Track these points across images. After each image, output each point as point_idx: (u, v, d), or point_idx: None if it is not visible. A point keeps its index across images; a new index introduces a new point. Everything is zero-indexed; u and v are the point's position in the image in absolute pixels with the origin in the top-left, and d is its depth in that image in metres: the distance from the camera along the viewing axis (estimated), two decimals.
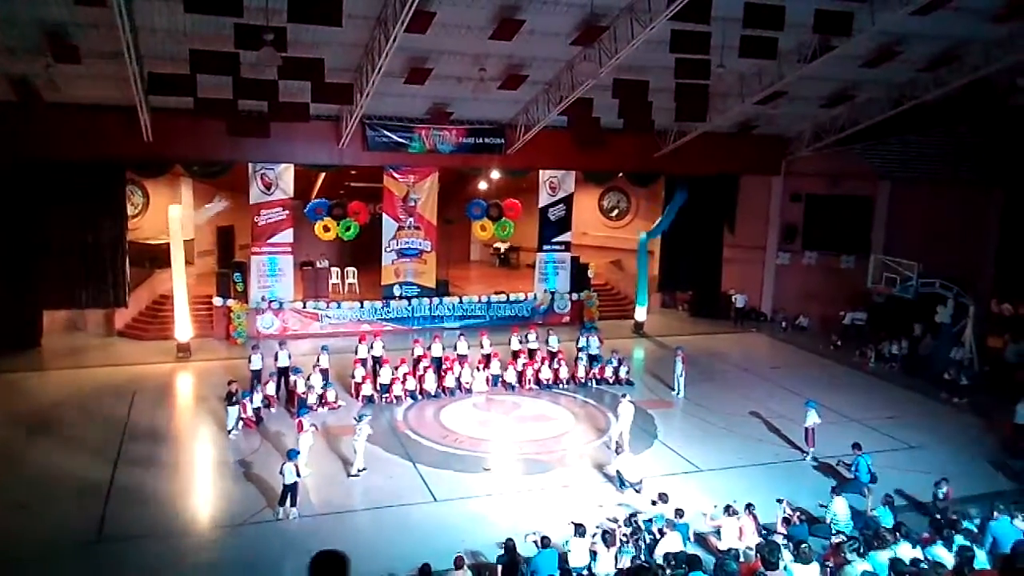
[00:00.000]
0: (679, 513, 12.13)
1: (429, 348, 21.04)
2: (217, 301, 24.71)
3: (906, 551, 10.53)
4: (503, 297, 27.83)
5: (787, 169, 29.06)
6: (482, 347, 21.47)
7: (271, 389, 18.63)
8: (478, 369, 20.65)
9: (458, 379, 20.19)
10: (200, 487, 14.77)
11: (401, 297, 26.45)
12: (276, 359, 19.30)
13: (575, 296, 28.62)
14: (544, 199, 28.01)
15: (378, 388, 19.32)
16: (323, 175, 27.03)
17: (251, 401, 17.37)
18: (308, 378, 18.52)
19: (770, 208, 29.87)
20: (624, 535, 11.76)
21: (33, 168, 21.05)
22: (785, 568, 9.37)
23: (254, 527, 12.91)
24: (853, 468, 14.47)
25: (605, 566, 10.92)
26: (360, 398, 19.12)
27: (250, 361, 19.20)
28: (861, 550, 10.43)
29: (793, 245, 29.84)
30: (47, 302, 22.85)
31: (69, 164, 21.20)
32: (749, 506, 12.42)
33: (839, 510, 12.86)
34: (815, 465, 16.14)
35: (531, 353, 21.90)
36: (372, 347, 20.55)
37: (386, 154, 24.14)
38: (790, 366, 24.14)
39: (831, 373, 23.41)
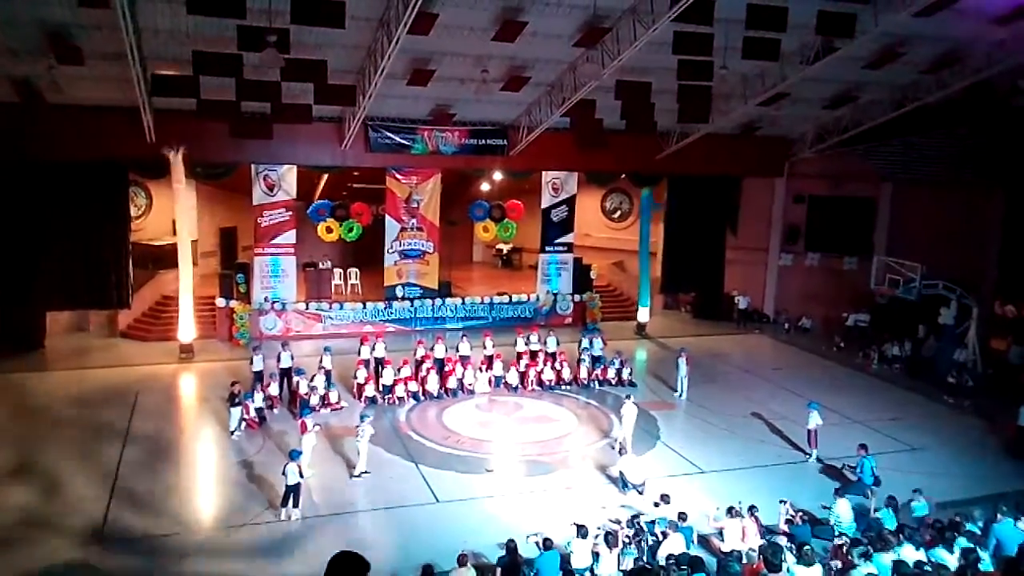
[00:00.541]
0: (682, 516, 12.11)
1: (432, 349, 21.04)
2: (220, 302, 24.73)
3: (909, 553, 10.52)
4: (506, 298, 27.84)
5: (790, 170, 29.04)
6: (484, 348, 21.48)
7: (274, 390, 18.64)
8: (480, 370, 20.65)
9: (460, 380, 20.19)
10: (203, 488, 14.77)
11: (404, 298, 26.46)
12: (279, 360, 19.31)
13: (577, 297, 28.62)
14: (547, 200, 28.02)
15: (380, 389, 19.33)
16: (326, 176, 27.05)
17: (253, 402, 17.39)
18: (312, 379, 18.54)
19: (773, 209, 29.87)
20: (627, 536, 11.75)
21: (36, 169, 21.07)
22: (788, 570, 9.38)
23: (256, 528, 12.92)
24: (857, 470, 14.46)
25: (607, 568, 10.91)
26: (363, 399, 19.13)
27: (252, 362, 19.22)
28: (868, 553, 10.43)
29: (796, 246, 29.83)
30: (50, 303, 22.86)
31: (72, 165, 21.24)
32: (752, 508, 12.41)
33: (842, 512, 12.84)
34: (820, 468, 16.11)
35: (533, 355, 21.90)
36: (374, 348, 20.56)
37: (389, 155, 24.16)
38: (792, 367, 24.12)
39: (834, 375, 23.39)
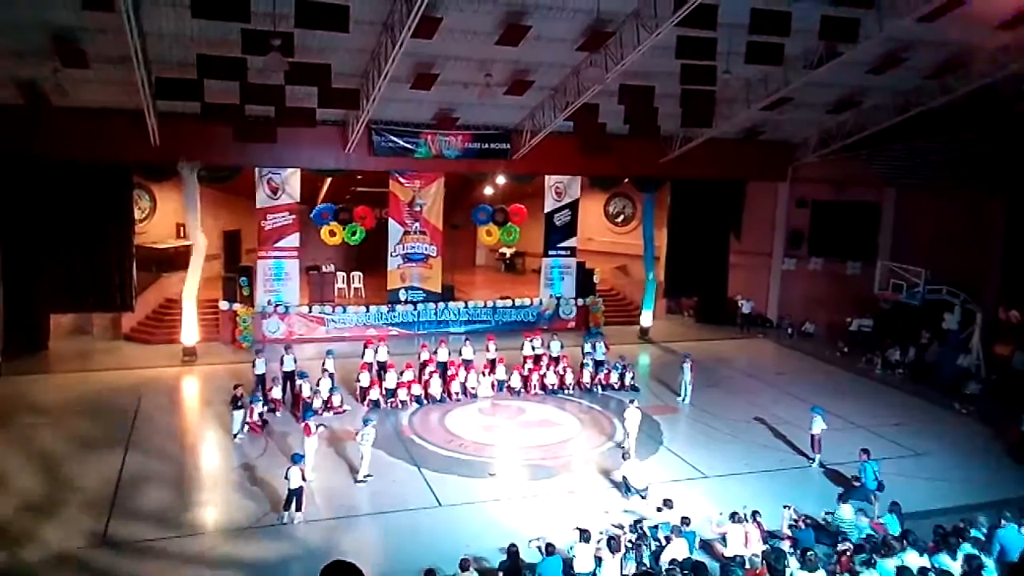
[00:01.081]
0: (685, 521, 12.09)
1: (435, 353, 21.04)
2: (223, 305, 24.76)
3: (913, 559, 10.49)
4: (509, 302, 27.83)
5: (793, 175, 29.02)
6: (487, 352, 21.47)
7: (277, 393, 18.65)
8: (483, 374, 20.65)
9: (463, 384, 20.18)
10: (205, 491, 14.74)
11: (407, 302, 26.48)
12: (282, 363, 19.33)
13: (581, 301, 28.61)
14: (550, 204, 28.03)
15: (384, 393, 19.33)
16: (329, 180, 27.06)
17: (258, 406, 17.40)
18: (318, 383, 18.54)
19: (776, 214, 29.84)
20: (629, 541, 11.73)
21: (41, 172, 21.12)
22: (791, 575, 9.36)
23: (259, 531, 12.92)
24: (860, 474, 14.42)
25: (610, 572, 10.88)
26: (366, 403, 19.13)
27: (254, 366, 19.23)
28: (871, 561, 10.41)
29: (799, 251, 29.80)
30: (54, 306, 22.89)
31: (77, 168, 21.28)
32: (755, 513, 12.38)
33: (845, 517, 12.79)
34: (823, 473, 16.08)
35: (536, 359, 21.89)
36: (377, 352, 20.57)
37: (392, 159, 24.18)
38: (796, 372, 24.08)
39: (837, 379, 23.35)
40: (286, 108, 18.63)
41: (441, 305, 26.85)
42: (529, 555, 11.25)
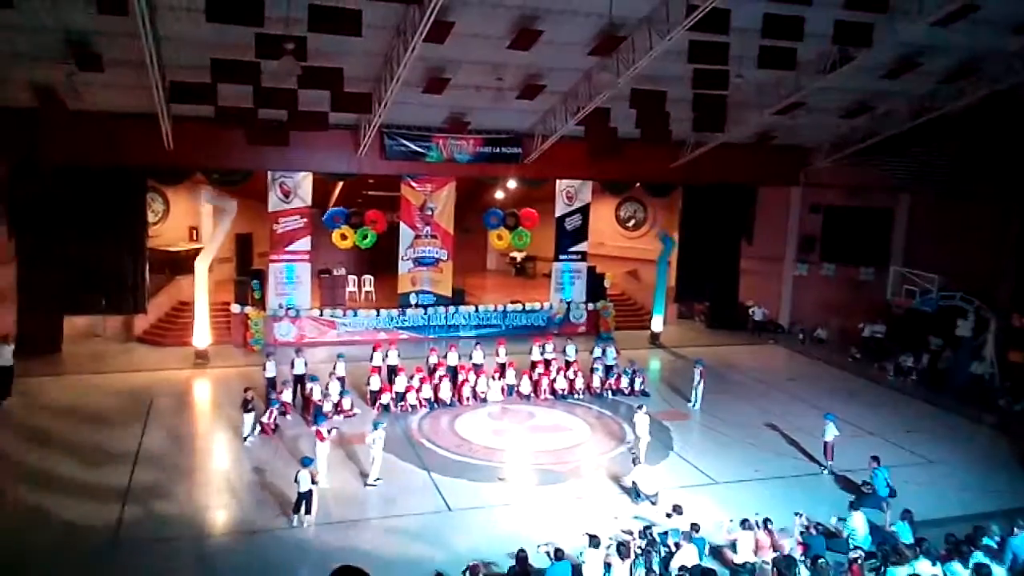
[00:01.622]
0: (695, 528, 12.03)
1: (445, 357, 21.04)
2: (235, 308, 24.87)
3: (925, 568, 10.43)
4: (519, 306, 27.82)
5: (806, 180, 28.91)
6: (498, 356, 21.47)
7: (287, 396, 18.69)
8: (493, 379, 20.64)
9: (474, 388, 20.18)
10: (216, 493, 14.78)
11: (417, 305, 26.51)
12: (292, 366, 19.38)
13: (591, 306, 28.57)
14: (561, 209, 28.01)
15: (394, 397, 19.34)
16: (341, 184, 27.17)
17: (276, 409, 17.46)
18: (326, 387, 18.58)
19: (788, 219, 29.74)
20: (639, 547, 11.69)
21: (55, 175, 21.28)
22: None
23: (269, 534, 12.95)
24: (871, 482, 14.32)
25: None
26: (376, 407, 19.15)
27: (265, 368, 19.29)
28: (881, 569, 10.34)
29: (811, 256, 29.67)
30: (68, 308, 23.04)
31: (91, 171, 21.44)
32: (767, 521, 12.32)
33: (857, 525, 12.71)
34: (835, 480, 15.98)
35: (547, 364, 21.86)
36: (387, 356, 20.59)
37: (404, 163, 24.24)
38: (807, 378, 23.95)
39: (849, 386, 23.21)
40: (299, 112, 18.72)
41: (452, 309, 26.86)
42: (538, 560, 11.24)
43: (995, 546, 11.48)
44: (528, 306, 27.93)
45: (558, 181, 27.43)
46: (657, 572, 11.22)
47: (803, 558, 10.98)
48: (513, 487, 15.21)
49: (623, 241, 33.63)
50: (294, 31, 14.70)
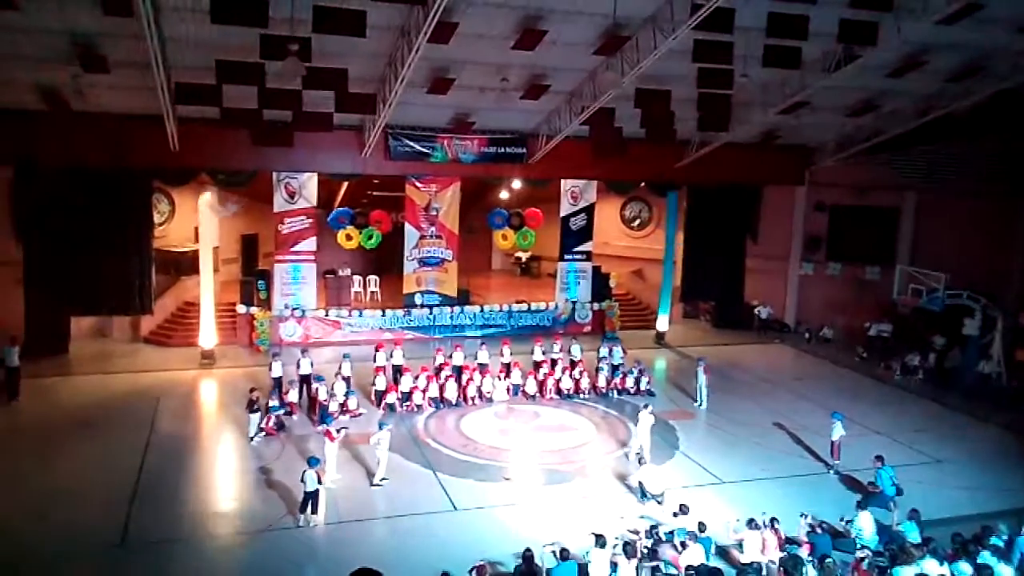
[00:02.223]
0: (702, 527, 12.02)
1: (450, 357, 21.07)
2: (241, 309, 24.93)
3: (932, 567, 10.39)
4: (524, 306, 27.83)
5: (811, 179, 28.84)
6: (502, 356, 21.47)
7: (293, 396, 18.73)
8: (499, 378, 20.64)
9: (479, 388, 20.19)
10: (222, 493, 14.86)
11: (422, 306, 26.53)
12: (298, 367, 19.41)
13: (596, 306, 28.55)
14: (565, 208, 28.00)
15: (400, 396, 19.36)
16: (346, 184, 27.21)
17: (272, 416, 17.43)
18: (332, 387, 18.60)
19: (794, 218, 29.69)
20: (645, 547, 11.68)
21: (61, 176, 21.34)
22: None
23: (275, 534, 12.97)
24: (876, 481, 14.28)
25: None
26: (382, 406, 19.17)
27: (271, 369, 19.32)
28: (888, 569, 10.31)
29: (817, 255, 29.60)
30: (74, 308, 23.12)
31: (97, 172, 21.49)
32: (773, 520, 12.30)
33: (864, 525, 12.68)
34: (841, 480, 15.95)
35: (553, 364, 21.87)
36: (392, 355, 20.61)
37: (408, 163, 24.25)
38: (814, 378, 23.91)
39: (855, 385, 23.17)
40: (303, 113, 18.74)
41: (457, 309, 26.88)
42: (544, 559, 11.23)
43: (1002, 545, 11.44)
44: (533, 306, 27.94)
45: (563, 181, 27.41)
46: (663, 572, 11.20)
47: (810, 558, 10.96)
48: (519, 487, 15.21)
49: (628, 241, 33.59)
50: (298, 32, 14.70)
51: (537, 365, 21.67)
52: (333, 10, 14.25)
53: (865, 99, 22.50)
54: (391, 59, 17.86)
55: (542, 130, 23.88)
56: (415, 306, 26.47)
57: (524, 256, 35.31)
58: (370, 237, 25.97)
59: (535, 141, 24.42)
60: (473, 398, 20.01)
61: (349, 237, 25.92)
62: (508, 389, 20.53)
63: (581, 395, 20.85)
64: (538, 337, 23.59)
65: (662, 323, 27.97)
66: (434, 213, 26.22)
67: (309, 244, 25.13)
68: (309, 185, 24.69)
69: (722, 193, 28.13)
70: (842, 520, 13.21)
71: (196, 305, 23.69)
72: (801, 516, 12.59)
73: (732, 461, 16.67)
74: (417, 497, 14.50)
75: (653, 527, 12.71)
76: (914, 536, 12.05)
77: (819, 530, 12.39)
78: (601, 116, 20.77)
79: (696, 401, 20.48)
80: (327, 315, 25.59)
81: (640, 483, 14.50)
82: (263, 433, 17.01)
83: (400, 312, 26.30)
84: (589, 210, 28.31)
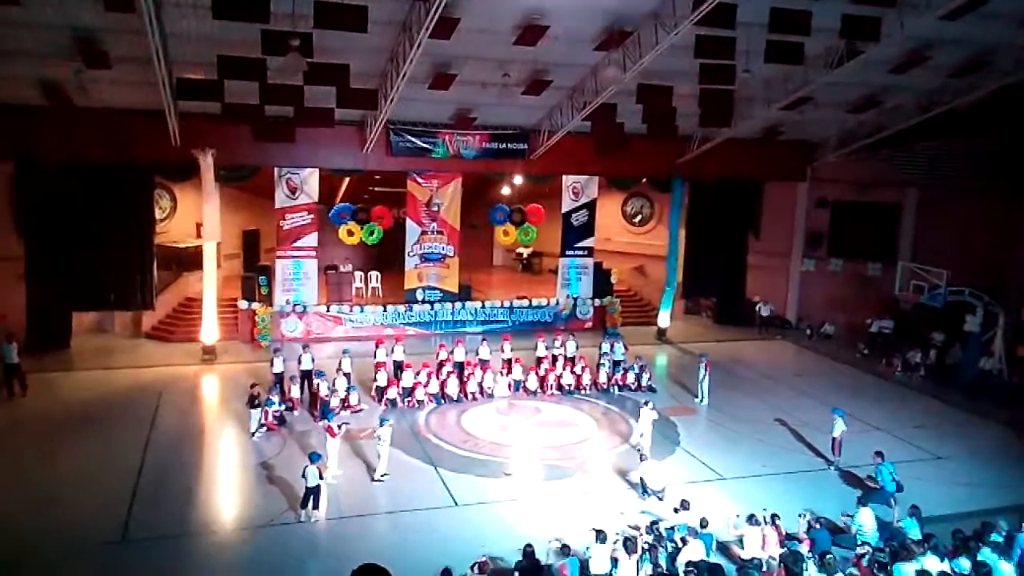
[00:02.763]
0: (703, 523, 12.03)
1: (451, 353, 21.07)
2: (242, 304, 24.94)
3: (933, 563, 10.40)
4: (525, 302, 27.83)
5: (813, 175, 28.82)
6: (503, 352, 21.47)
7: (294, 392, 18.75)
8: (500, 374, 20.65)
9: (480, 384, 20.20)
10: (224, 488, 14.88)
11: (424, 301, 26.54)
12: (300, 362, 19.42)
13: (598, 302, 28.55)
14: (567, 204, 27.99)
15: (400, 392, 19.38)
16: (347, 180, 27.21)
17: (272, 408, 17.42)
18: (334, 382, 18.62)
19: (795, 214, 29.66)
20: (646, 543, 11.69)
21: (63, 172, 21.35)
22: None
23: (277, 529, 12.99)
24: (875, 477, 14.29)
25: (626, 574, 10.85)
26: (383, 402, 19.19)
27: (272, 364, 19.34)
28: (888, 565, 10.31)
29: (819, 252, 29.58)
30: (76, 304, 23.15)
31: (99, 168, 21.51)
32: (774, 516, 12.31)
33: (865, 521, 12.68)
34: (842, 476, 15.95)
35: (554, 359, 21.88)
36: (392, 351, 20.62)
37: (410, 159, 24.26)
38: (815, 374, 23.90)
39: (857, 381, 23.16)
40: (305, 108, 18.75)
41: (458, 305, 26.88)
42: (545, 555, 11.25)
43: (1002, 542, 11.44)
44: (534, 302, 27.93)
45: (564, 177, 27.41)
46: (664, 567, 11.22)
47: (810, 554, 10.97)
48: (520, 482, 15.23)
49: (630, 237, 33.60)
50: (300, 28, 14.73)
51: (539, 361, 21.69)
52: (335, 5, 14.27)
53: (867, 95, 22.48)
54: (393, 54, 17.85)
55: (544, 126, 23.88)
56: (416, 302, 26.48)
57: (525, 252, 35.35)
58: (371, 233, 25.98)
59: (536, 137, 24.42)
60: (474, 394, 20.02)
61: (350, 233, 25.92)
62: (509, 385, 20.54)
63: (582, 391, 20.86)
64: (540, 333, 23.59)
65: (663, 319, 27.97)
66: (435, 209, 26.21)
67: (310, 240, 25.12)
68: (311, 181, 24.68)
69: (724, 189, 28.10)
70: (843, 516, 13.22)
71: (197, 301, 23.71)
72: (800, 516, 12.59)
73: (733, 457, 16.68)
74: (418, 493, 14.51)
75: (654, 523, 12.72)
76: (915, 532, 12.06)
77: (817, 525, 12.41)
78: (603, 112, 20.76)
79: (697, 397, 20.48)
80: (328, 311, 25.60)
81: (641, 479, 14.51)
82: (264, 429, 17.03)
83: (401, 308, 26.31)
84: (590, 206, 28.30)
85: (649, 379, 21.38)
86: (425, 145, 23.85)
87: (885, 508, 13.62)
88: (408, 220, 26.17)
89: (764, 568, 11.34)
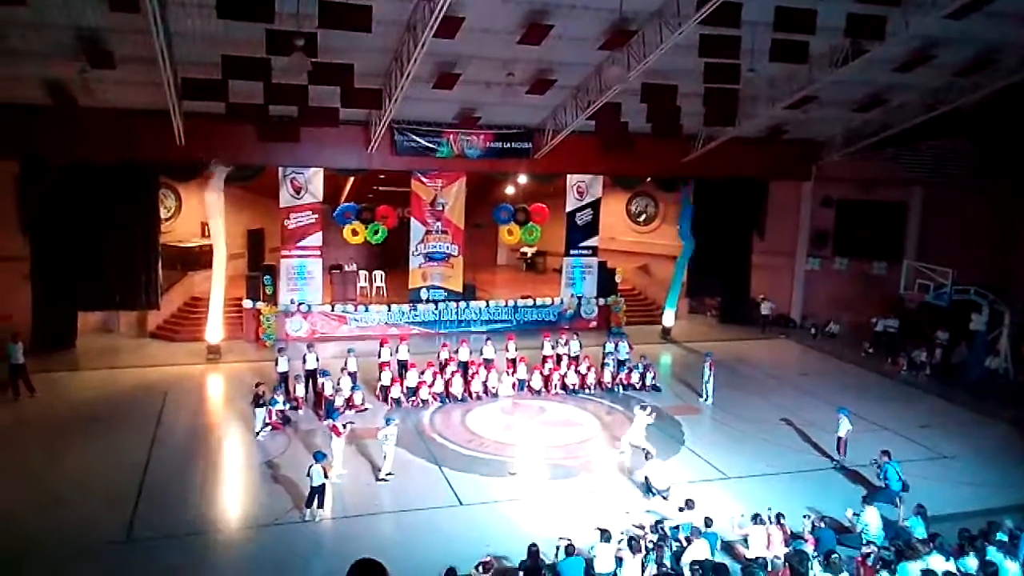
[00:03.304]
0: (708, 522, 12.02)
1: (456, 352, 21.08)
2: (247, 304, 24.98)
3: (938, 563, 10.37)
4: (530, 302, 27.82)
5: (818, 174, 28.75)
6: (507, 351, 21.48)
7: (299, 391, 18.78)
8: (505, 374, 20.65)
9: (484, 383, 20.20)
10: (229, 487, 14.91)
11: (428, 301, 26.55)
12: (304, 362, 19.45)
13: (602, 301, 28.53)
14: (571, 204, 27.96)
15: (405, 391, 19.39)
16: (352, 179, 27.22)
17: (276, 407, 17.44)
18: (338, 382, 18.64)
19: (800, 213, 29.61)
20: (651, 542, 11.68)
21: (68, 172, 21.38)
22: None
23: (281, 528, 13.01)
24: (882, 476, 14.26)
25: (631, 573, 10.84)
26: (388, 401, 19.20)
27: (277, 364, 19.37)
28: (892, 564, 10.29)
29: (824, 251, 29.53)
30: (82, 303, 23.18)
31: (103, 168, 21.54)
32: (779, 516, 12.29)
33: (870, 520, 12.65)
34: (847, 475, 15.92)
35: (558, 358, 21.87)
36: (397, 350, 20.63)
37: (414, 158, 24.25)
38: (820, 373, 23.86)
39: (862, 381, 23.11)
40: (309, 108, 18.74)
41: (462, 304, 26.89)
42: (550, 554, 11.25)
43: (1008, 541, 11.41)
44: (539, 301, 27.93)
45: (569, 176, 27.39)
46: (669, 567, 11.21)
47: (815, 553, 10.95)
48: (524, 482, 15.23)
49: (634, 236, 33.57)
50: (304, 27, 14.72)
51: (545, 360, 21.68)
52: (339, 5, 14.25)
53: (872, 94, 22.42)
54: (397, 54, 17.85)
55: (548, 125, 23.85)
56: (421, 301, 26.49)
57: (530, 251, 35.34)
58: (376, 232, 25.99)
59: (541, 136, 24.39)
60: (478, 393, 20.03)
61: (355, 232, 25.93)
62: (514, 384, 20.54)
63: (587, 390, 20.85)
64: (546, 332, 23.58)
65: (668, 318, 27.94)
66: (440, 208, 26.22)
67: (315, 239, 25.15)
68: (315, 180, 24.70)
69: (728, 188, 28.02)
70: (849, 513, 13.19)
71: (203, 300, 23.76)
72: (804, 515, 12.58)
73: (738, 456, 16.66)
74: (423, 492, 14.53)
75: (659, 522, 12.71)
76: (920, 531, 12.03)
77: (822, 524, 12.39)
78: (607, 111, 20.72)
79: (702, 396, 20.46)
80: (333, 310, 25.63)
81: (646, 478, 14.51)
82: (269, 428, 17.06)
83: (406, 307, 26.32)
84: (595, 205, 28.27)
85: (653, 378, 21.37)
86: (429, 144, 23.85)
87: (890, 507, 13.59)
88: (412, 219, 26.17)
89: (769, 568, 11.33)
